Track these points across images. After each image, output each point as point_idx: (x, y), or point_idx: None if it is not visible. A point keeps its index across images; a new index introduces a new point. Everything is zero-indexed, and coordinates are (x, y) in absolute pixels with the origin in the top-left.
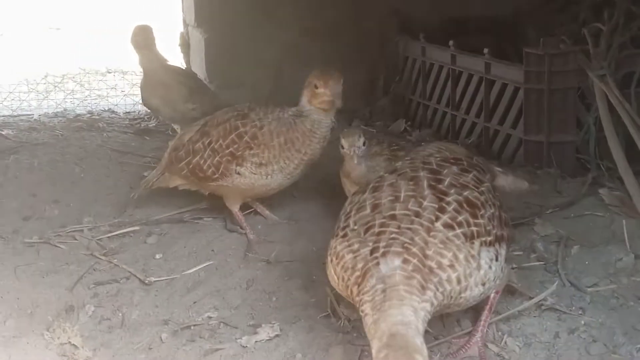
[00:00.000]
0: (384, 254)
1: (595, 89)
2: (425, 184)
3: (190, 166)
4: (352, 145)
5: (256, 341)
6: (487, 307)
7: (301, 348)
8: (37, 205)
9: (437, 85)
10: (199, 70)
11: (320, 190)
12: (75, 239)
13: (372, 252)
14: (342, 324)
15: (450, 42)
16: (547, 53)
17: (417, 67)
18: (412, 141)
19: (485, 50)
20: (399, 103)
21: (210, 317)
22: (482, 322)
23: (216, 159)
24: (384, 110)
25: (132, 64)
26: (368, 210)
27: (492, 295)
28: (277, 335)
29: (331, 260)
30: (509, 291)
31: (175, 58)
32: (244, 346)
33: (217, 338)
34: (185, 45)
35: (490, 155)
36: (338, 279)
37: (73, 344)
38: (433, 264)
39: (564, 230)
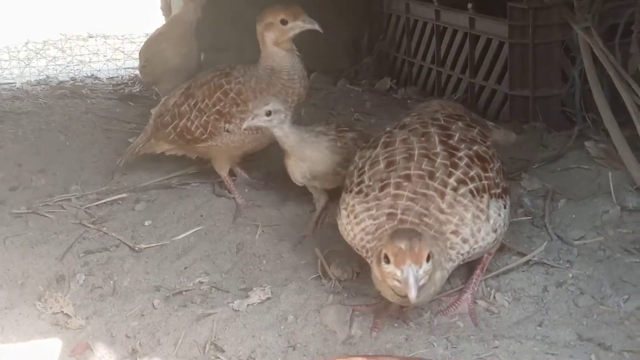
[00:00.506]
0: (401, 221)
1: (579, 41)
2: (436, 140)
3: (178, 130)
4: (251, 111)
5: (248, 305)
6: (480, 266)
7: (293, 310)
8: (23, 175)
9: (422, 42)
10: None
11: None
12: (64, 208)
13: (388, 218)
14: (332, 285)
15: None
16: (531, 7)
17: (401, 24)
18: (398, 99)
19: (469, 6)
20: (384, 61)
21: (201, 282)
22: (473, 281)
23: (203, 118)
24: (369, 68)
25: (114, 28)
26: (382, 166)
27: (485, 256)
28: (268, 298)
29: (347, 216)
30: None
31: (159, 22)
32: (236, 310)
33: (209, 303)
34: (167, 9)
35: (477, 110)
36: (356, 237)
37: (65, 313)
38: (446, 230)
39: (550, 184)
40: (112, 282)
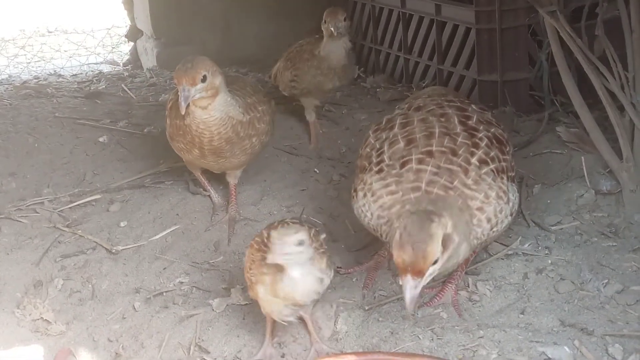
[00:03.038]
0: (427, 192)
1: (546, 25)
2: (456, 120)
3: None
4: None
5: (229, 304)
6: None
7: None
8: None
9: (388, 29)
10: (145, 27)
11: (282, 146)
12: (37, 212)
13: (413, 190)
14: None
15: None
16: None
17: (366, 12)
18: (367, 87)
19: None
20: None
21: (181, 283)
22: (458, 273)
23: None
24: None
25: (73, 23)
26: (402, 145)
27: None
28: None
29: (364, 195)
30: None
31: (120, 16)
32: (218, 310)
33: (191, 303)
34: (129, 3)
35: None
36: (372, 215)
37: (45, 319)
38: (472, 205)
39: (524, 170)
40: (90, 285)
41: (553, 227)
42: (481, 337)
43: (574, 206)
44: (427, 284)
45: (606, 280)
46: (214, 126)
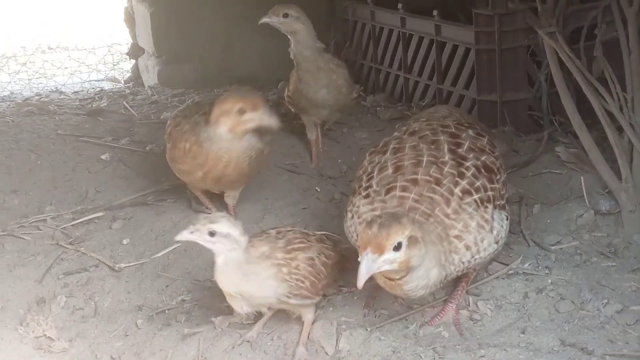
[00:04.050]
0: None
1: (545, 46)
2: (445, 148)
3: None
4: (194, 223)
5: (231, 322)
6: (465, 279)
7: (278, 326)
8: None
9: (388, 49)
10: (146, 45)
11: (283, 164)
12: (39, 229)
13: None
14: (317, 301)
15: (399, 5)
16: (496, 13)
17: (366, 31)
18: (367, 106)
19: (435, 12)
20: (351, 69)
21: (184, 300)
22: (458, 292)
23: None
24: None
25: (74, 40)
26: (390, 171)
27: (471, 270)
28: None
29: (352, 217)
30: None
31: (122, 34)
32: (221, 328)
33: (194, 321)
34: (130, 20)
35: None
36: (358, 236)
37: (48, 337)
38: (451, 234)
39: (523, 190)
40: (93, 303)
41: (553, 247)
42: (482, 357)
43: (573, 226)
44: (383, 270)
45: (606, 300)
46: (236, 153)
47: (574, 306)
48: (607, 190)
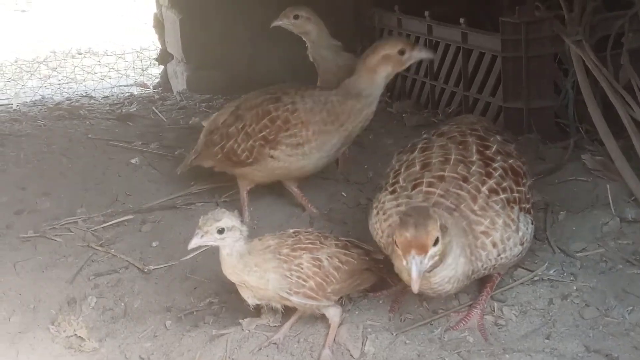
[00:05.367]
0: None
1: (571, 54)
2: (474, 149)
3: (225, 150)
4: (200, 227)
5: (258, 324)
6: (490, 284)
7: (305, 329)
8: (28, 198)
9: None
10: (175, 51)
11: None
12: (71, 231)
13: None
14: (343, 303)
15: (426, 13)
16: (523, 21)
17: None
18: (393, 113)
19: (462, 20)
20: None
21: (212, 302)
22: (483, 297)
23: (249, 143)
24: None
25: (104, 45)
26: (417, 168)
27: (495, 275)
28: (280, 318)
29: (377, 214)
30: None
31: (150, 39)
32: (248, 330)
33: (221, 322)
34: (160, 26)
35: None
36: (382, 233)
37: (79, 336)
38: (477, 229)
39: (549, 197)
40: (123, 303)
41: (578, 254)
42: None
43: (599, 233)
44: (429, 268)
45: (631, 307)
46: (374, 108)
47: (599, 313)
48: (633, 198)
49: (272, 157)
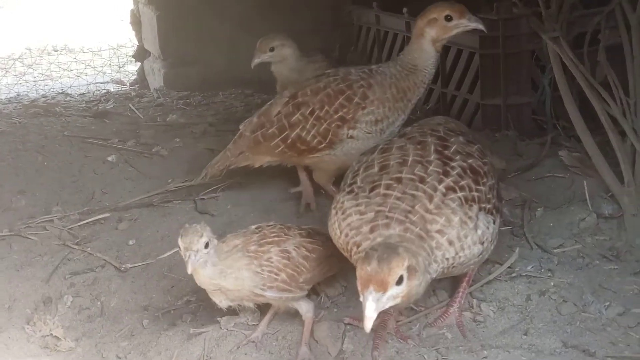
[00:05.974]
0: (388, 218)
1: (549, 50)
2: (432, 148)
3: (289, 141)
4: (189, 248)
5: (236, 322)
6: (465, 279)
7: (283, 327)
8: (3, 196)
9: (393, 53)
10: (152, 48)
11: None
12: (46, 230)
13: (377, 215)
14: (321, 300)
15: (404, 10)
16: (501, 18)
17: (371, 35)
18: None
19: None
20: None
21: (189, 301)
22: (459, 294)
23: (323, 126)
24: None
25: (80, 42)
26: (376, 169)
27: (471, 268)
28: (257, 317)
29: (336, 214)
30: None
31: (127, 35)
32: (226, 329)
33: (199, 321)
34: (137, 23)
35: None
36: (341, 233)
37: (55, 336)
38: (432, 229)
39: (527, 193)
40: (99, 302)
41: (555, 250)
42: (485, 358)
43: (576, 229)
44: (389, 308)
45: (608, 303)
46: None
47: (576, 308)
48: (609, 194)
49: (351, 137)
